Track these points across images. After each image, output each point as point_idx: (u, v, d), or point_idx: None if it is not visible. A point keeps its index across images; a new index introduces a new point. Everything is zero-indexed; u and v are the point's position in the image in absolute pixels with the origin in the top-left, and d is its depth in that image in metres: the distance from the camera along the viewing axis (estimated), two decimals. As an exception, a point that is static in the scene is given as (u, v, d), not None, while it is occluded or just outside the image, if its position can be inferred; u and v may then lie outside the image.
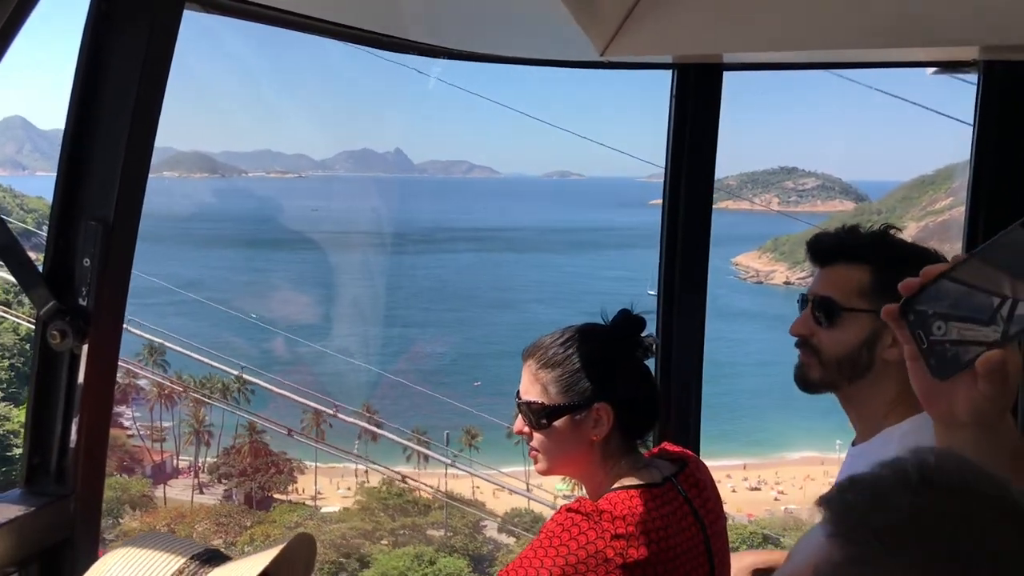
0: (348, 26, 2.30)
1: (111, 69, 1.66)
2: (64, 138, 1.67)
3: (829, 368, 1.85)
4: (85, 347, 1.68)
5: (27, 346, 45.44)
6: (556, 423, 1.82)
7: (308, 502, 47.94)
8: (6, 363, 50.28)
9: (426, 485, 41.26)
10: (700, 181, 2.94)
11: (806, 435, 55.68)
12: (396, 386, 54.57)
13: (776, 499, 52.00)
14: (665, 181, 2.95)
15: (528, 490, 40.30)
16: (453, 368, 67.55)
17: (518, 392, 1.87)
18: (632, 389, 1.83)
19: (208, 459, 51.03)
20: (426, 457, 45.30)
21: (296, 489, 49.51)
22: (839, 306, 1.83)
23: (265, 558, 1.17)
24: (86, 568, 1.21)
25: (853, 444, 1.90)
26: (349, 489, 49.89)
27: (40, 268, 1.70)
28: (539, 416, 1.83)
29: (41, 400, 1.73)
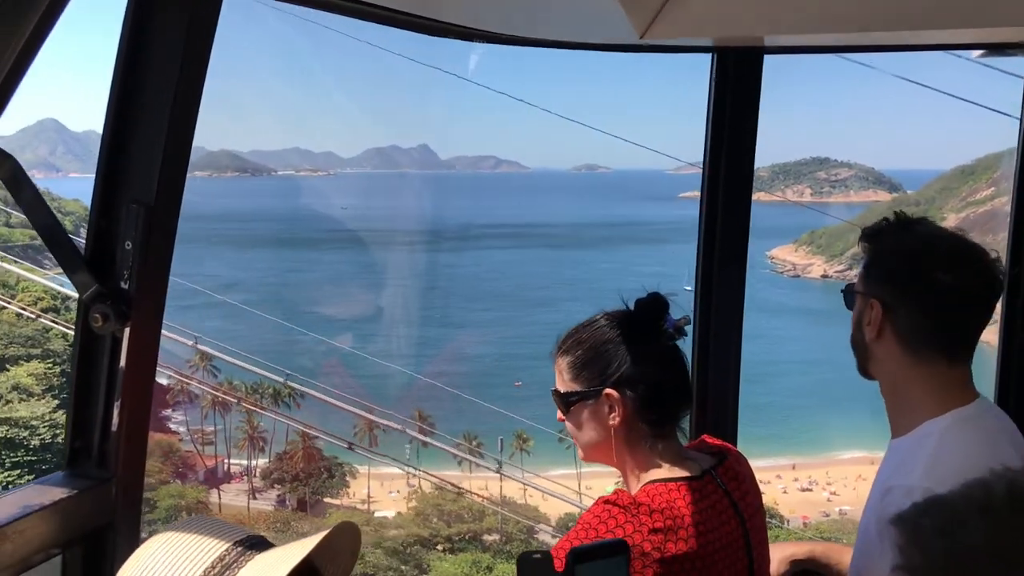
0: (384, 7, 2.24)
1: (153, 50, 1.64)
2: (106, 120, 1.66)
3: (857, 357, 1.93)
4: (127, 330, 1.67)
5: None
6: (574, 409, 1.84)
7: (359, 506, 48.22)
8: (57, 369, 51.09)
9: (477, 495, 41.33)
10: (740, 168, 2.89)
11: (855, 434, 55.00)
12: (436, 389, 54.60)
13: (829, 500, 51.44)
14: (704, 168, 2.90)
15: (580, 493, 40.27)
16: (494, 369, 67.41)
17: None
18: (649, 375, 1.79)
19: (257, 462, 51.44)
20: (477, 460, 45.39)
21: (347, 493, 49.78)
22: (850, 292, 1.94)
23: (308, 545, 1.15)
24: (128, 552, 1.21)
25: (893, 438, 1.87)
26: (398, 492, 50.13)
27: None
28: (560, 403, 1.86)
29: (83, 384, 1.73)
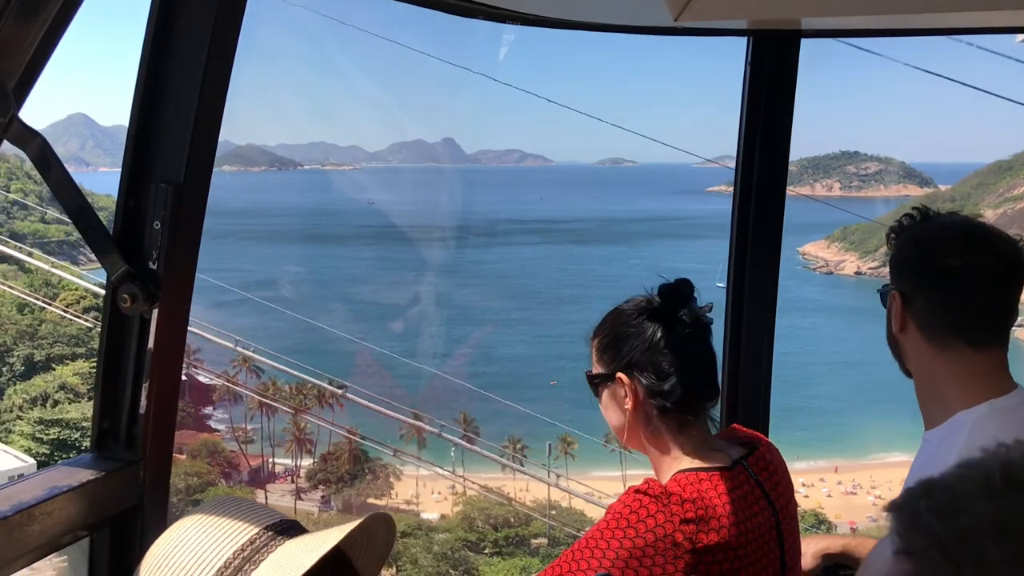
0: None
1: (181, 29, 1.63)
2: (134, 99, 1.64)
3: (894, 355, 1.91)
4: (155, 311, 1.65)
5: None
6: (599, 391, 1.87)
7: (404, 507, 48.37)
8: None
9: (521, 504, 41.25)
10: (775, 153, 2.80)
11: (898, 437, 54.51)
12: (470, 389, 54.46)
13: (874, 504, 50.95)
14: (738, 157, 2.81)
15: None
16: (529, 369, 67.14)
17: None
18: (658, 361, 1.77)
19: (301, 462, 51.69)
20: (521, 463, 45.33)
21: (391, 494, 49.96)
22: (883, 290, 1.91)
23: (339, 532, 1.13)
24: (156, 535, 1.19)
25: (926, 430, 1.84)
26: (440, 493, 50.26)
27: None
28: (589, 385, 1.89)
29: (111, 365, 1.70)
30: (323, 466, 48.48)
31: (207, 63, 1.63)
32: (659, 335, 1.78)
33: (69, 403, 46.43)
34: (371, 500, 48.38)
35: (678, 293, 1.82)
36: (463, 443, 38.60)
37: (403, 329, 71.88)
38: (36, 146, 1.47)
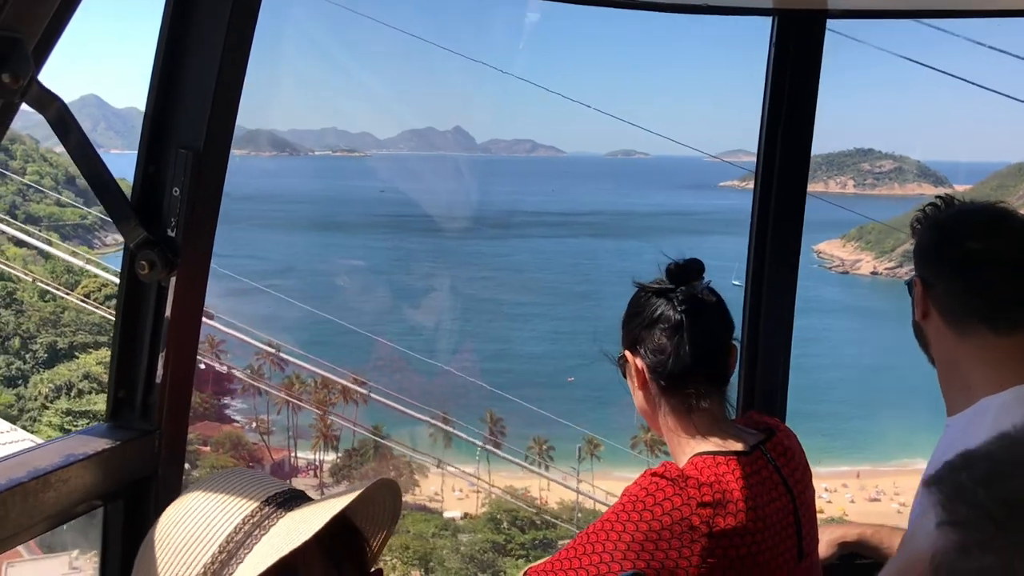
0: None
1: None
2: (155, 63, 1.62)
3: (920, 346, 1.91)
4: (173, 280, 1.64)
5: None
6: (623, 372, 1.90)
7: (428, 504, 48.42)
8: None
9: (544, 508, 41.19)
10: (798, 136, 2.75)
11: (921, 444, 54.38)
12: (490, 387, 54.16)
13: (899, 512, 50.84)
14: (760, 138, 2.77)
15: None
16: (549, 369, 66.73)
17: None
18: (654, 339, 1.79)
19: (324, 456, 51.69)
20: (547, 467, 45.29)
21: (415, 491, 50.01)
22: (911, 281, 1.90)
23: (341, 502, 1.13)
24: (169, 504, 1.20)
25: (949, 416, 1.81)
26: (461, 491, 50.31)
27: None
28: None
29: (127, 333, 1.69)
30: (348, 461, 48.49)
31: (228, 24, 1.60)
32: (658, 312, 1.80)
33: (96, 393, 46.39)
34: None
35: (683, 272, 1.83)
36: (491, 448, 38.54)
37: (419, 323, 71.20)
38: (55, 109, 1.43)
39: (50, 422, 43.40)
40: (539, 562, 1.78)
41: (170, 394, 1.70)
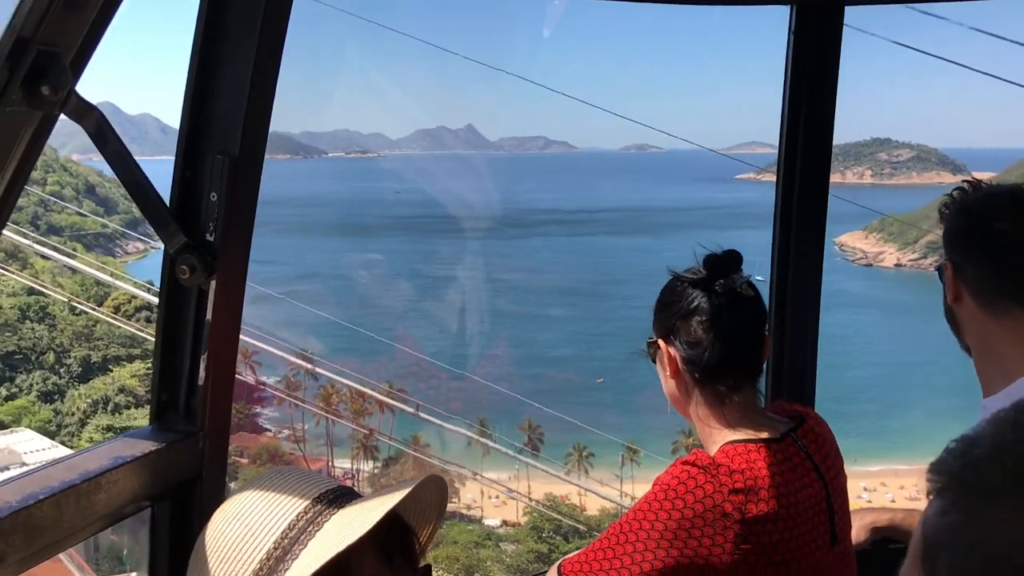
0: None
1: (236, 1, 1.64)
2: (190, 72, 1.66)
3: (953, 331, 1.89)
4: (212, 283, 1.67)
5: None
6: (654, 360, 1.91)
7: (466, 512, 48.44)
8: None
9: (587, 522, 41.10)
10: (820, 125, 2.74)
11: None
12: (515, 393, 53.86)
13: (939, 512, 50.57)
14: (782, 127, 2.76)
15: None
16: (574, 369, 66.22)
17: None
18: (690, 329, 1.78)
19: (360, 466, 51.73)
20: (587, 472, 45.17)
21: (454, 499, 50.02)
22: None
23: (392, 499, 1.15)
24: (216, 505, 1.22)
25: (984, 398, 1.80)
26: (498, 497, 50.30)
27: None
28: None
29: (169, 337, 1.72)
30: (385, 471, 48.56)
31: (260, 33, 1.63)
32: (695, 303, 1.79)
33: (135, 408, 46.55)
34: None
35: (721, 263, 1.82)
36: (530, 461, 38.54)
37: (450, 328, 70.69)
38: (93, 120, 1.46)
39: (91, 439, 43.60)
40: (573, 553, 1.77)
41: (212, 395, 1.74)
